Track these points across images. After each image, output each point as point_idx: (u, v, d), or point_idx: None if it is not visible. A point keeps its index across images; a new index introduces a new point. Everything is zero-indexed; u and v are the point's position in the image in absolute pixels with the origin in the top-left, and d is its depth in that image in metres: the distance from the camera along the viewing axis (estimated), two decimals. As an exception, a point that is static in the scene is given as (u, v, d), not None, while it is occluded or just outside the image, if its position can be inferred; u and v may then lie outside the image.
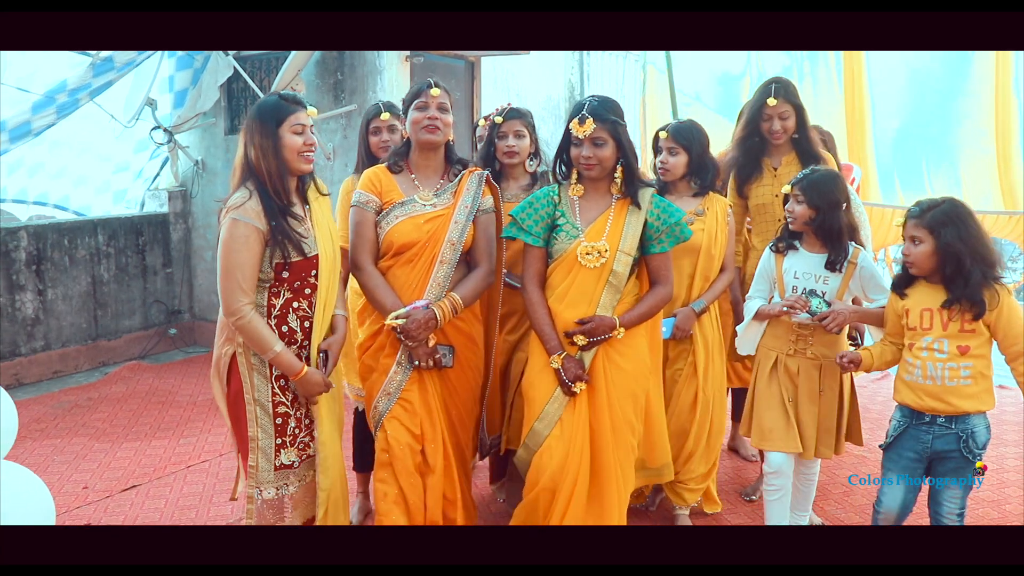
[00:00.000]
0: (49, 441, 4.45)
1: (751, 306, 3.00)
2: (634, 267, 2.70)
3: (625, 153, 2.64)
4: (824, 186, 2.81)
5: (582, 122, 2.58)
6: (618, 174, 2.67)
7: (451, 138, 2.83)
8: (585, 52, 7.90)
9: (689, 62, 6.82)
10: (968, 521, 2.66)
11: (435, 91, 2.73)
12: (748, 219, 3.58)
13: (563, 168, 2.75)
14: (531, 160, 3.22)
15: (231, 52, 5.82)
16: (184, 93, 6.05)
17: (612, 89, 8.20)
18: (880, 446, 2.70)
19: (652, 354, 2.88)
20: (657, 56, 7.05)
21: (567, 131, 2.66)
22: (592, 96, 2.70)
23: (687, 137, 3.16)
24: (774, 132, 3.37)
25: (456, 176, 2.84)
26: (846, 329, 2.90)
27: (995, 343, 2.53)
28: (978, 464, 2.48)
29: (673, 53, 6.33)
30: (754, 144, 3.45)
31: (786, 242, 2.94)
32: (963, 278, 2.43)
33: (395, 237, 2.72)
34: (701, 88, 7.17)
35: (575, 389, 2.64)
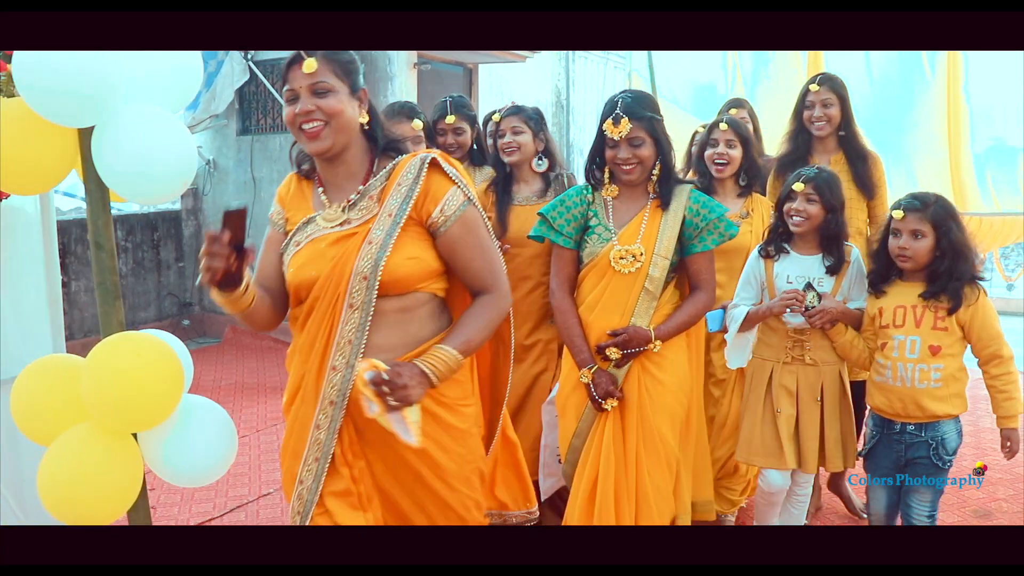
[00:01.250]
0: (92, 422, 4.74)
1: (737, 314, 2.71)
2: (672, 273, 2.50)
3: (663, 150, 2.45)
4: (836, 186, 2.65)
5: (616, 122, 2.37)
6: (655, 171, 2.47)
7: (363, 121, 1.87)
8: (570, 59, 8.34)
9: (669, 67, 7.28)
10: (974, 521, 2.65)
11: (308, 66, 1.76)
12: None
13: (597, 173, 2.54)
14: (539, 161, 3.09)
15: (248, 56, 6.15)
16: (198, 96, 6.37)
17: (595, 93, 8.66)
18: (859, 454, 2.69)
19: (694, 370, 2.63)
20: (640, 62, 7.51)
21: (600, 132, 2.45)
22: (624, 92, 2.50)
23: (745, 130, 3.04)
24: (816, 120, 3.22)
25: (385, 170, 1.88)
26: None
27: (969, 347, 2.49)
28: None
29: (655, 59, 6.74)
30: (801, 140, 3.32)
31: (776, 245, 2.73)
32: (950, 273, 2.38)
33: (291, 276, 1.87)
34: (677, 92, 7.65)
35: (605, 406, 2.44)
